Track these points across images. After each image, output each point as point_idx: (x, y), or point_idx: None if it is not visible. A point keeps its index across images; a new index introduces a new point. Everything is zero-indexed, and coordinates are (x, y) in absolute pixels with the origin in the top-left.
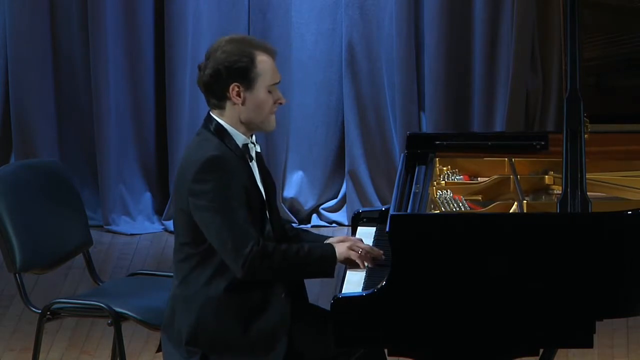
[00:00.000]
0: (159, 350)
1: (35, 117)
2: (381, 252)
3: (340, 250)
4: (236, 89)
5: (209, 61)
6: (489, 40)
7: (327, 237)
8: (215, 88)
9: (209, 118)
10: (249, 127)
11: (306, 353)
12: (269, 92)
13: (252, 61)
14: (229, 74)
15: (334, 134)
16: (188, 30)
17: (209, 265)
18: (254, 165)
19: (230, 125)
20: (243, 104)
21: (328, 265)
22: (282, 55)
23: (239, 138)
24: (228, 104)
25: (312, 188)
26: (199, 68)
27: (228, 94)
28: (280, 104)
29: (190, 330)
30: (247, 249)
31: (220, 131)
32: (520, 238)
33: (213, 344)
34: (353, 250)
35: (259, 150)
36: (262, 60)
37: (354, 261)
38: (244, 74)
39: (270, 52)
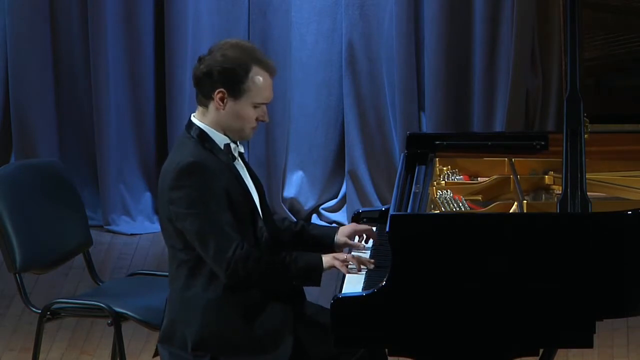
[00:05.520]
0: (156, 354)
1: (35, 117)
2: (371, 260)
3: (327, 259)
4: (220, 94)
5: (208, 58)
6: (489, 40)
7: (336, 229)
8: (204, 86)
9: (190, 123)
10: (225, 133)
11: (310, 352)
12: (255, 107)
13: (246, 74)
14: (219, 79)
15: (334, 134)
16: (188, 30)
17: (205, 268)
18: (240, 165)
19: (212, 127)
20: (224, 109)
21: (314, 274)
22: (282, 55)
23: (220, 139)
24: (212, 105)
25: (312, 188)
26: (199, 59)
27: (213, 96)
28: (263, 121)
29: (195, 335)
30: (229, 253)
31: (201, 135)
32: (520, 238)
33: (220, 345)
34: (337, 259)
35: (242, 150)
36: (257, 77)
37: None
38: (234, 84)
39: (270, 70)
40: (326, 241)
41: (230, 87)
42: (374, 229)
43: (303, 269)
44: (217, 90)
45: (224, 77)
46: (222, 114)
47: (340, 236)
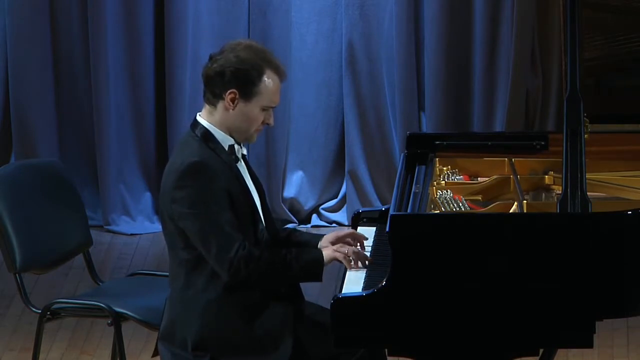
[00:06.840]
0: (155, 354)
1: (35, 117)
2: (367, 255)
3: (327, 252)
4: (232, 95)
5: (220, 57)
6: (489, 40)
7: (321, 236)
8: (215, 86)
9: (195, 123)
10: (230, 134)
11: (310, 352)
12: (263, 110)
13: (259, 76)
14: (231, 79)
15: (334, 134)
16: (188, 30)
17: (205, 268)
18: (242, 166)
19: (217, 127)
20: (234, 110)
21: (315, 269)
22: (282, 55)
23: (225, 140)
24: (220, 105)
25: (312, 188)
26: (210, 57)
27: (224, 96)
28: (268, 124)
29: (195, 335)
30: (231, 252)
31: (206, 135)
32: (520, 238)
33: (220, 345)
34: (339, 252)
35: (245, 152)
36: (269, 80)
37: (341, 261)
38: (246, 86)
39: (281, 74)
40: (310, 247)
41: (243, 88)
42: (372, 235)
43: (304, 265)
44: (229, 91)
45: (237, 78)
46: (231, 115)
47: (324, 243)
